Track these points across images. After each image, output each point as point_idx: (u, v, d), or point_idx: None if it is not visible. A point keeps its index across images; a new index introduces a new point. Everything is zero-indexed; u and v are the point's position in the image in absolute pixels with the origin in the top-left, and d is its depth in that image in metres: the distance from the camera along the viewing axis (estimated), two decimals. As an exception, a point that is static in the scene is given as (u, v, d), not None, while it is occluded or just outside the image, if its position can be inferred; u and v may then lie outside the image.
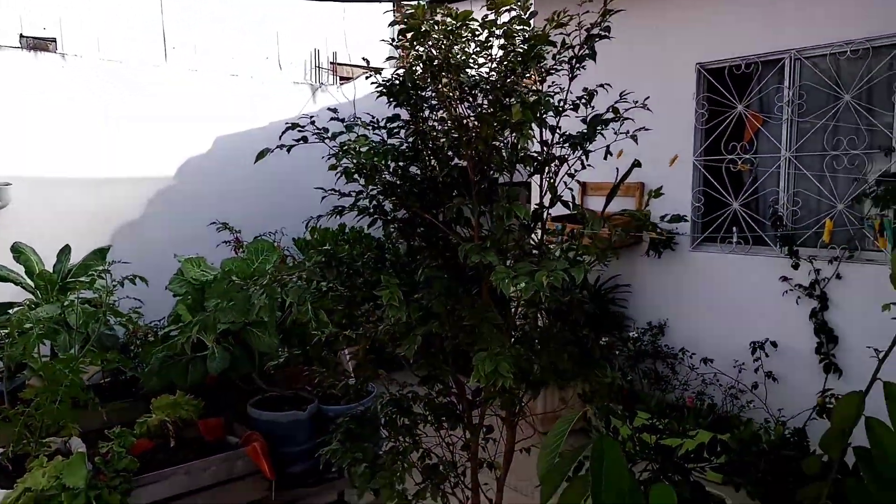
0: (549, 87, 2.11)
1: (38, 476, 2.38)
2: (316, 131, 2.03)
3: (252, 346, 3.29)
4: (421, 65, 1.81)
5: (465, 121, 1.87)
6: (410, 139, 2.19)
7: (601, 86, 2.17)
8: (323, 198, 2.04)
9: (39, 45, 4.96)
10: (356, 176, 2.01)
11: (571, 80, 1.96)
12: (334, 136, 1.93)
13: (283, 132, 1.95)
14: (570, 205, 1.90)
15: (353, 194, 2.19)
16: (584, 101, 2.16)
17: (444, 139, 1.94)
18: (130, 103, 5.30)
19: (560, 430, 1.62)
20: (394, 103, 2.19)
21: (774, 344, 4.24)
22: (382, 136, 2.26)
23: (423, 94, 2.09)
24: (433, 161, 2.07)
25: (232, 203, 5.69)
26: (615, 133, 2.00)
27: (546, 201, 1.96)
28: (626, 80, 2.51)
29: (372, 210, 2.17)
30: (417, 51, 1.80)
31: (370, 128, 2.29)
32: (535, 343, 2.08)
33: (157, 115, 5.43)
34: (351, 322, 2.26)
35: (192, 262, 3.53)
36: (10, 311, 3.37)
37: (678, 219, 4.69)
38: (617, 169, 2.35)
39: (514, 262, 1.60)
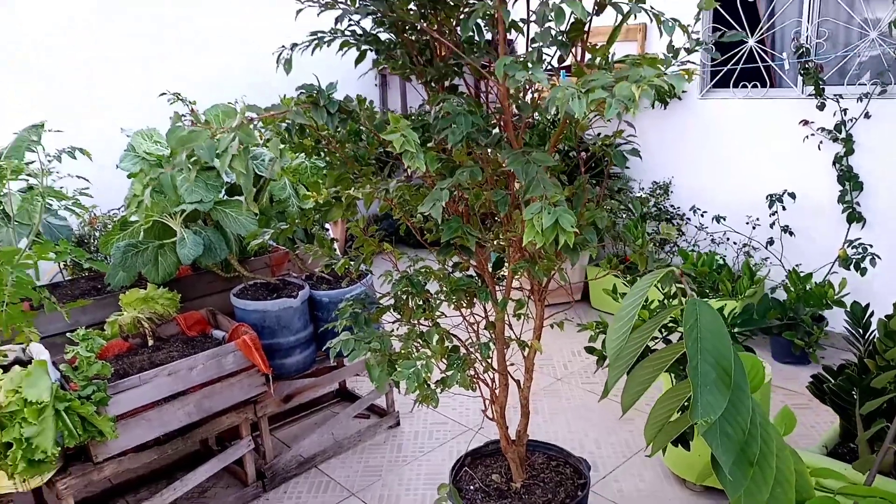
0: None
1: (-8, 391, 2.02)
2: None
3: (227, 229, 2.87)
4: None
5: None
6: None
7: None
8: (298, 11, 1.56)
9: None
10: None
11: None
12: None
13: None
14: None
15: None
16: None
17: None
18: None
19: (640, 289, 1.27)
20: None
21: (793, 195, 3.94)
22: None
23: None
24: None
25: (186, 69, 5.05)
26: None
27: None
28: None
29: (361, 36, 1.69)
30: None
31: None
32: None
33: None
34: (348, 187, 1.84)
35: (143, 135, 3.02)
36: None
37: (701, 43, 4.24)
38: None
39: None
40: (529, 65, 1.18)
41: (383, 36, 1.74)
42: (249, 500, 2.80)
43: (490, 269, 2.04)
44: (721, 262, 4.18)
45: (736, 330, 2.36)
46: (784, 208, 3.98)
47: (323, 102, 1.43)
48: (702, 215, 4.37)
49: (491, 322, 2.05)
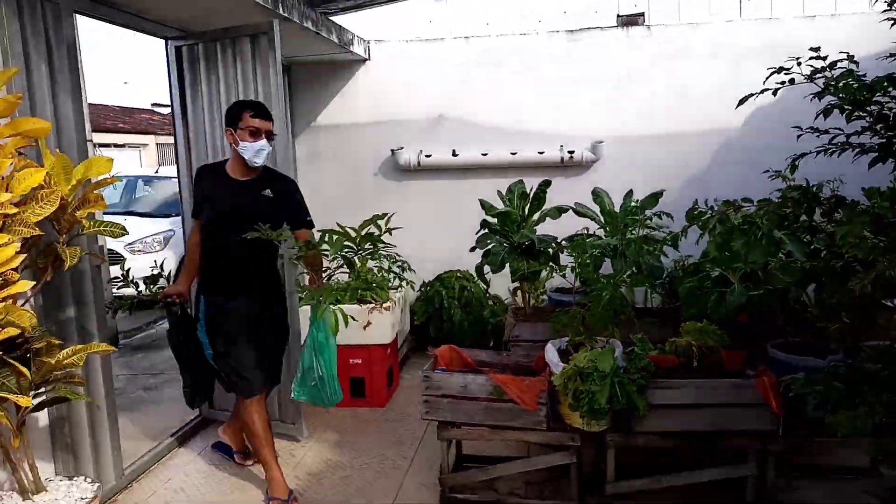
0: None
1: (581, 358, 3.20)
2: (811, 71, 2.07)
3: (774, 288, 3.38)
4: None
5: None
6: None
7: None
8: (799, 136, 2.07)
9: (630, 20, 5.90)
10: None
11: None
12: (811, 77, 1.95)
13: (768, 76, 2.07)
14: None
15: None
16: None
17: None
18: (701, 62, 5.75)
19: None
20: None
21: None
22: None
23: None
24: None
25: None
26: None
27: None
28: None
29: (876, 147, 2.06)
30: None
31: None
32: None
33: (725, 70, 5.70)
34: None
35: (728, 203, 3.79)
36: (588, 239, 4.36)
37: None
38: None
39: None
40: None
41: None
42: (742, 519, 3.27)
43: None
44: None
45: None
46: None
47: (806, 199, 1.94)
48: None
49: None
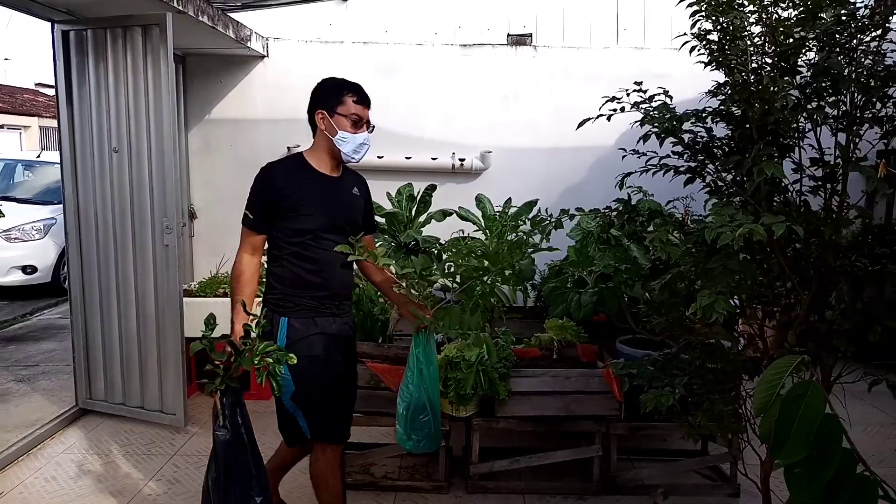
0: None
1: (452, 348, 3.49)
2: (635, 102, 2.45)
3: (621, 291, 3.81)
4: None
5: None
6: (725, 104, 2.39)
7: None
8: (624, 156, 2.44)
9: (519, 40, 6.31)
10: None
11: None
12: (637, 105, 2.32)
13: (603, 104, 2.43)
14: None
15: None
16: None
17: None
18: (581, 84, 6.24)
19: (780, 369, 1.74)
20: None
21: None
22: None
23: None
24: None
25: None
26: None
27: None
28: None
29: (684, 169, 2.46)
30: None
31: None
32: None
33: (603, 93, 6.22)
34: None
35: (588, 217, 4.22)
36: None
37: None
38: None
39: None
40: (726, 206, 1.83)
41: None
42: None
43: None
44: None
45: None
46: None
47: (626, 210, 2.29)
48: None
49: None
